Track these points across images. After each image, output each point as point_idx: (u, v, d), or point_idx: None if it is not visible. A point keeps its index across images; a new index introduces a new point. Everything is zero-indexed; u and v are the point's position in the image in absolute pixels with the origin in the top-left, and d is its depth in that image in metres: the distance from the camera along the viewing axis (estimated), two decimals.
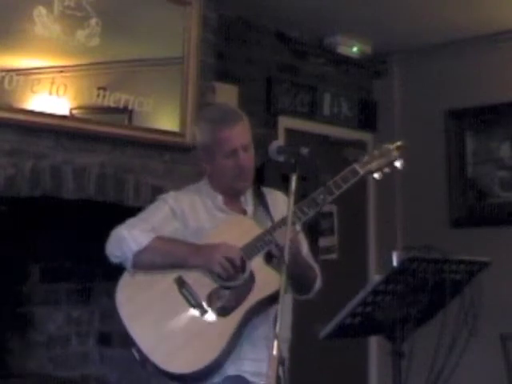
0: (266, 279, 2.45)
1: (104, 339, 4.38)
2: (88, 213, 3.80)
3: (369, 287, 2.45)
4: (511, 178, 5.37)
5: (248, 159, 2.61)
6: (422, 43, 5.54)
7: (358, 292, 2.45)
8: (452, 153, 5.60)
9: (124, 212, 3.73)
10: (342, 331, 2.51)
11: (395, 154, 2.67)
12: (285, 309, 2.55)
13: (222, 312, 2.46)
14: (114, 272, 4.22)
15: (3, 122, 3.32)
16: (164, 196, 2.70)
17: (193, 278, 2.50)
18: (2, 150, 3.31)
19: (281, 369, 2.14)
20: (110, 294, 4.28)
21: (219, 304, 2.47)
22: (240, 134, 2.61)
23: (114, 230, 2.59)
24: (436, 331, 2.39)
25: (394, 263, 2.47)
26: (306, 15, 4.98)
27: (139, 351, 2.43)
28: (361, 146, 5.83)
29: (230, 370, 2.46)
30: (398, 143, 2.69)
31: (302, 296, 2.66)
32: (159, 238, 2.53)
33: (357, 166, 2.61)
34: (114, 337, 4.35)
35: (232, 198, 2.67)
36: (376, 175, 2.65)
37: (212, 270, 2.47)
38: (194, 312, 2.47)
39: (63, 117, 3.54)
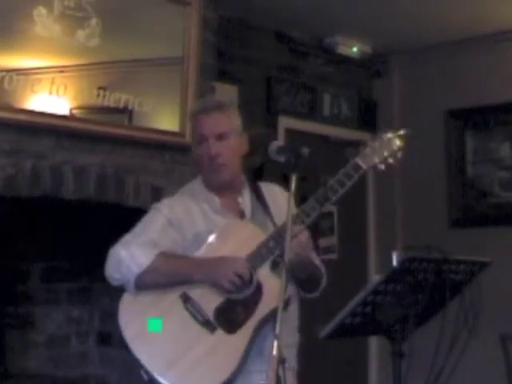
0: (274, 289, 2.32)
1: (104, 339, 4.38)
2: (88, 213, 3.80)
3: (369, 287, 2.45)
4: (511, 178, 5.37)
5: (222, 149, 2.53)
6: (422, 43, 5.54)
7: (358, 292, 2.45)
8: (452, 153, 5.61)
9: (124, 212, 3.75)
10: (342, 331, 2.51)
11: (398, 143, 2.55)
12: (292, 313, 2.56)
13: (232, 327, 2.38)
14: None
15: (3, 122, 3.32)
16: (157, 205, 2.61)
17: (198, 293, 2.42)
18: (2, 150, 3.31)
19: (281, 368, 2.12)
20: (110, 294, 4.32)
21: (227, 319, 2.39)
22: (214, 122, 2.54)
23: (111, 249, 2.49)
24: (436, 331, 2.39)
25: (394, 263, 2.47)
26: (306, 15, 4.98)
27: (147, 373, 2.35)
28: (361, 146, 5.83)
29: (238, 383, 2.39)
30: (401, 132, 2.57)
31: (308, 295, 2.62)
32: (160, 256, 2.44)
33: (359, 161, 2.50)
34: (114, 337, 4.35)
35: (229, 198, 2.60)
36: (381, 167, 2.53)
37: (220, 286, 2.39)
38: (202, 329, 2.38)
39: (63, 117, 3.54)
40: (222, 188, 2.60)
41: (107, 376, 4.34)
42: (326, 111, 5.66)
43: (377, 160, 2.52)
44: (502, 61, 5.35)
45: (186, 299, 2.42)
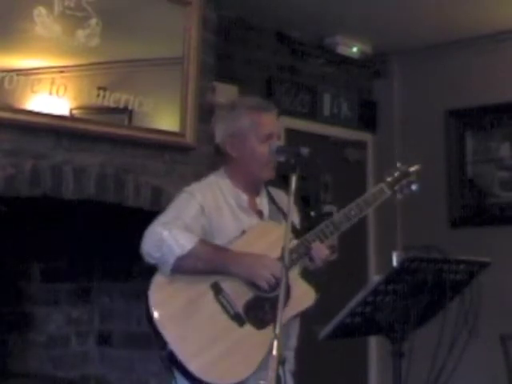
0: (301, 293, 2.50)
1: (104, 339, 4.39)
2: (88, 213, 3.80)
3: (369, 287, 2.45)
4: (511, 178, 5.37)
5: None
6: (422, 43, 5.54)
7: (358, 292, 2.45)
8: (452, 153, 5.61)
9: (124, 212, 3.75)
10: (341, 331, 2.51)
11: (413, 176, 2.80)
12: (298, 318, 2.61)
13: (260, 324, 2.45)
14: (114, 272, 4.25)
15: (3, 122, 3.31)
16: (190, 190, 2.62)
17: (230, 285, 2.47)
18: (2, 150, 3.31)
19: (281, 368, 2.13)
20: (110, 294, 4.32)
21: (257, 315, 2.46)
22: (276, 122, 2.67)
23: (150, 228, 2.49)
24: (436, 331, 2.39)
25: (394, 263, 2.48)
26: (306, 15, 4.98)
27: (171, 354, 2.38)
28: (361, 146, 5.83)
29: (250, 380, 2.42)
30: (417, 167, 2.83)
31: None
32: (201, 243, 2.46)
33: (384, 187, 2.76)
34: (114, 337, 4.35)
35: (250, 197, 2.66)
36: (399, 196, 2.80)
37: (257, 284, 2.46)
38: (232, 322, 2.44)
39: (63, 117, 3.53)
40: (254, 185, 2.67)
41: (107, 376, 4.34)
42: (326, 111, 5.66)
43: (397, 188, 2.80)
44: (502, 61, 5.35)
45: (218, 290, 2.47)
